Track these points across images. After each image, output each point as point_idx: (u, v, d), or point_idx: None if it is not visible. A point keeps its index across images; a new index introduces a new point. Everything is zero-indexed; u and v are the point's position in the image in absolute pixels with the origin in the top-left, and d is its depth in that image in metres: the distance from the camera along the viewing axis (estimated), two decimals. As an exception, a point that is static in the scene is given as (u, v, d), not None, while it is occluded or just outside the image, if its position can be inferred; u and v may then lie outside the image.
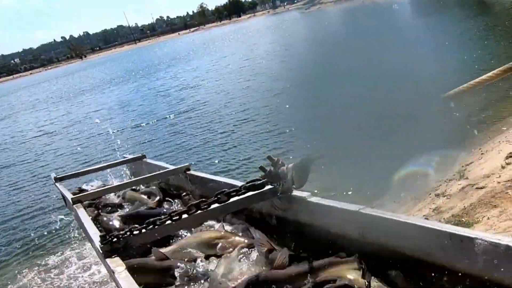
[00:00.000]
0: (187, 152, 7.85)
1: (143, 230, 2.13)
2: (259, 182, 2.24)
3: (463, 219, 3.41)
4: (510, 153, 4.06)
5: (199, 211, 2.17)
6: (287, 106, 8.74)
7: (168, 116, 11.64)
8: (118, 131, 11.47)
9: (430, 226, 1.54)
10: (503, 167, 3.92)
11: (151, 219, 2.12)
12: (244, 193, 2.23)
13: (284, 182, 2.20)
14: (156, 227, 2.13)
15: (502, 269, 1.31)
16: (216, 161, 6.83)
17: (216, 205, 2.23)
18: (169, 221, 2.14)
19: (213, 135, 8.48)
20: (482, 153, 4.45)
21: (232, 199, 2.25)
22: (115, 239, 2.10)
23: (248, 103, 10.58)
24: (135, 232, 2.12)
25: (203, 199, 2.19)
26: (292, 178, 2.11)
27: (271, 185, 2.29)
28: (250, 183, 2.22)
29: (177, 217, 2.13)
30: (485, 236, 1.35)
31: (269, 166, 2.26)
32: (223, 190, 2.21)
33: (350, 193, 4.69)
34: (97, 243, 2.14)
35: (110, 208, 3.71)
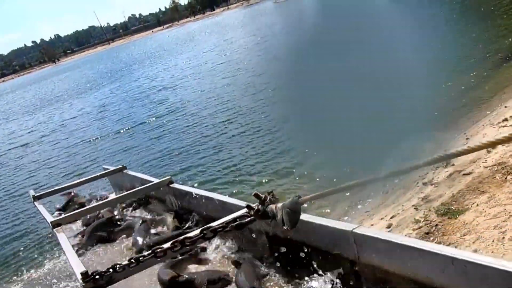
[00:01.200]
0: (168, 160, 7.55)
1: (126, 267, 2.15)
2: (246, 220, 2.19)
3: (452, 207, 3.38)
4: (495, 136, 4.04)
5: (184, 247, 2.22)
6: (271, 101, 8.62)
7: (147, 121, 11.33)
8: (96, 139, 11.11)
9: (428, 249, 1.48)
10: (488, 152, 3.91)
11: (135, 256, 2.15)
12: (230, 230, 2.22)
13: (274, 222, 2.13)
14: (140, 263, 2.16)
15: None
16: (199, 169, 6.57)
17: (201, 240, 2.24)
18: (153, 258, 2.17)
19: (195, 140, 8.19)
20: (467, 138, 4.43)
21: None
22: (97, 277, 2.09)
23: (230, 101, 10.31)
24: (118, 270, 2.13)
25: (188, 237, 2.20)
26: (282, 218, 2.02)
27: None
28: (238, 222, 2.18)
29: (162, 253, 2.16)
30: (492, 262, 1.29)
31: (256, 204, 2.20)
32: (209, 226, 2.20)
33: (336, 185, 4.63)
34: (79, 280, 2.11)
35: None
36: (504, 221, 2.82)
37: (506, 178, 3.40)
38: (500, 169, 3.56)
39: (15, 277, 4.83)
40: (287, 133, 6.50)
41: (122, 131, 11.13)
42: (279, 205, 2.07)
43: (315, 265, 2.03)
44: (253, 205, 2.19)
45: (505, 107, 5.05)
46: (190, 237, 2.18)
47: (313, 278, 1.99)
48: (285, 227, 2.03)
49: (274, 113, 7.87)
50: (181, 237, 2.19)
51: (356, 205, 4.30)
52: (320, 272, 2.01)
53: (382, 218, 3.74)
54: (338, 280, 1.92)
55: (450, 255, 1.40)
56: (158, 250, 2.14)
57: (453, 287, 1.43)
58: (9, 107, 32.70)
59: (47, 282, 4.21)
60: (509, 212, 2.91)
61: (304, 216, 2.04)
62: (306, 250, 2.09)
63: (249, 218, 2.17)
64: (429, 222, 3.23)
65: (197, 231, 2.23)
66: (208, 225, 2.23)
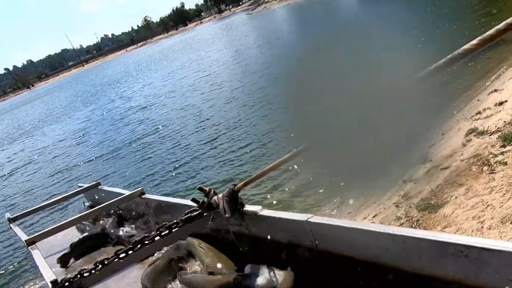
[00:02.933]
0: (150, 182, 7.45)
1: (93, 271, 2.21)
2: (195, 213, 2.35)
3: (432, 202, 3.43)
4: (469, 129, 4.14)
5: (144, 246, 2.30)
6: (249, 117, 8.62)
7: (124, 143, 11.10)
8: (74, 166, 10.84)
9: (372, 229, 1.53)
10: (464, 145, 3.99)
11: (99, 259, 2.22)
12: (183, 225, 2.34)
13: (216, 212, 2.29)
14: (105, 266, 2.22)
15: (442, 265, 1.32)
16: (180, 187, 6.55)
17: (158, 238, 2.35)
18: (116, 259, 2.23)
19: (174, 160, 8.06)
20: (442, 133, 4.52)
21: (174, 230, 2.35)
22: (67, 284, 2.15)
23: (208, 118, 10.18)
24: (85, 274, 2.19)
25: (146, 235, 2.31)
26: (223, 207, 2.18)
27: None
28: (187, 216, 2.34)
29: (124, 254, 2.24)
30: (426, 234, 1.35)
31: (202, 197, 2.33)
32: (164, 223, 2.34)
33: (321, 190, 4.68)
34: None
35: None
36: (481, 211, 2.87)
37: (482, 170, 3.47)
38: (476, 161, 3.63)
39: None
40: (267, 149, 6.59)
41: (99, 155, 10.90)
42: (220, 195, 2.21)
43: (278, 257, 2.10)
44: (199, 199, 2.32)
45: (478, 100, 5.19)
46: (148, 236, 2.30)
47: (276, 268, 2.05)
48: (226, 215, 2.16)
49: (250, 128, 7.93)
50: (141, 237, 2.28)
51: (339, 207, 4.34)
52: (283, 263, 2.07)
53: (365, 218, 3.77)
54: (299, 269, 1.98)
55: (391, 232, 1.44)
56: (119, 251, 2.21)
57: (395, 263, 1.48)
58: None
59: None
60: (486, 202, 2.96)
61: (264, 212, 2.11)
62: (269, 243, 2.16)
63: (197, 212, 2.31)
64: (410, 218, 3.27)
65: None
66: (163, 223, 2.35)
